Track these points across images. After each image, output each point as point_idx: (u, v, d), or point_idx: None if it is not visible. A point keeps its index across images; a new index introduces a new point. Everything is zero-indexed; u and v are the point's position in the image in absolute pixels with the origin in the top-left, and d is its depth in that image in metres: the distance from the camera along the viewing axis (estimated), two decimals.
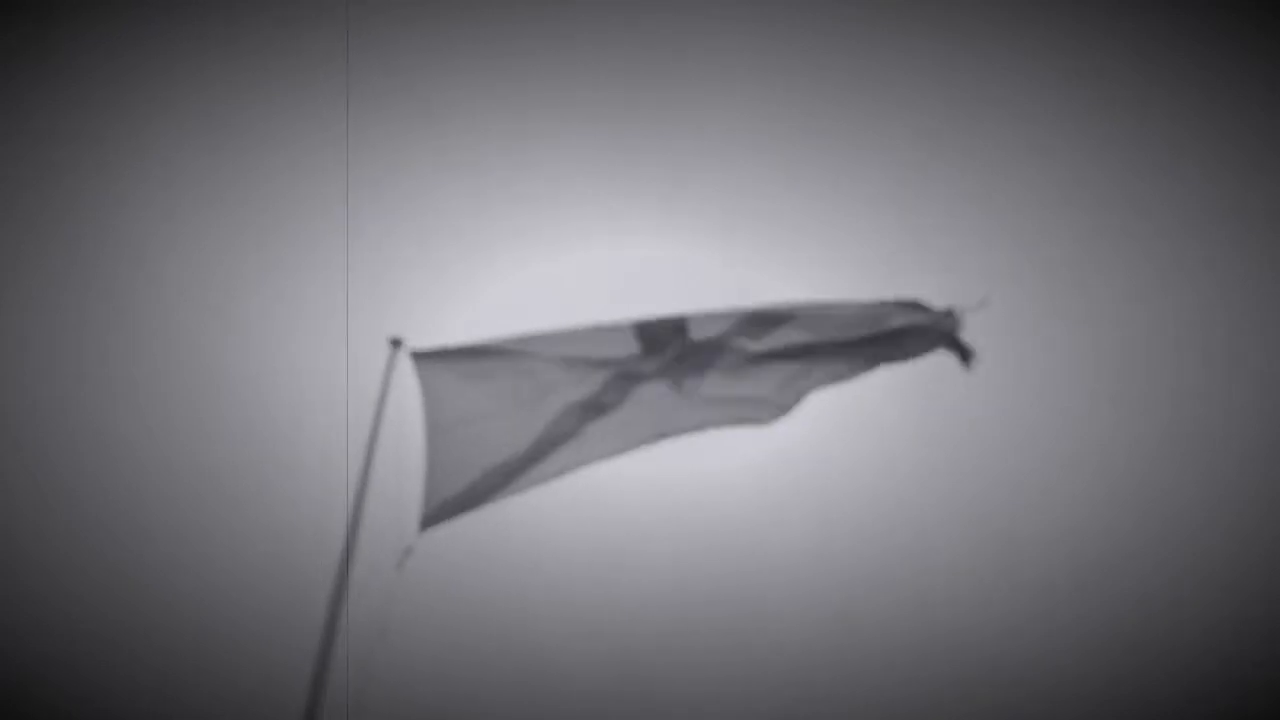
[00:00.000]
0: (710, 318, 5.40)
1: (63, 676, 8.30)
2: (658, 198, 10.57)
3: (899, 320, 5.23)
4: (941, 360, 5.17)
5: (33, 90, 9.26)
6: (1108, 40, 10.32)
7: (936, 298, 5.28)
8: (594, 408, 5.38)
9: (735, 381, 5.37)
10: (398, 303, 9.45)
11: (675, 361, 5.39)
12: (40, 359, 9.15)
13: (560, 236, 10.26)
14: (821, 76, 10.59)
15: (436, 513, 5.13)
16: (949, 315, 5.18)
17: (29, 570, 8.61)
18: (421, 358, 5.43)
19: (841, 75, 10.58)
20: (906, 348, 5.25)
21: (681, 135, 10.60)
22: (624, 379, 5.41)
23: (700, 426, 5.38)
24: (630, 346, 5.40)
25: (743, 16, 10.50)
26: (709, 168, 10.58)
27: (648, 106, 10.58)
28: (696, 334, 5.40)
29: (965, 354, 5.15)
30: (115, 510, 8.97)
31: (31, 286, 9.17)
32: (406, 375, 5.40)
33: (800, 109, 10.52)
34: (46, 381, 9.17)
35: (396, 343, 5.43)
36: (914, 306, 5.26)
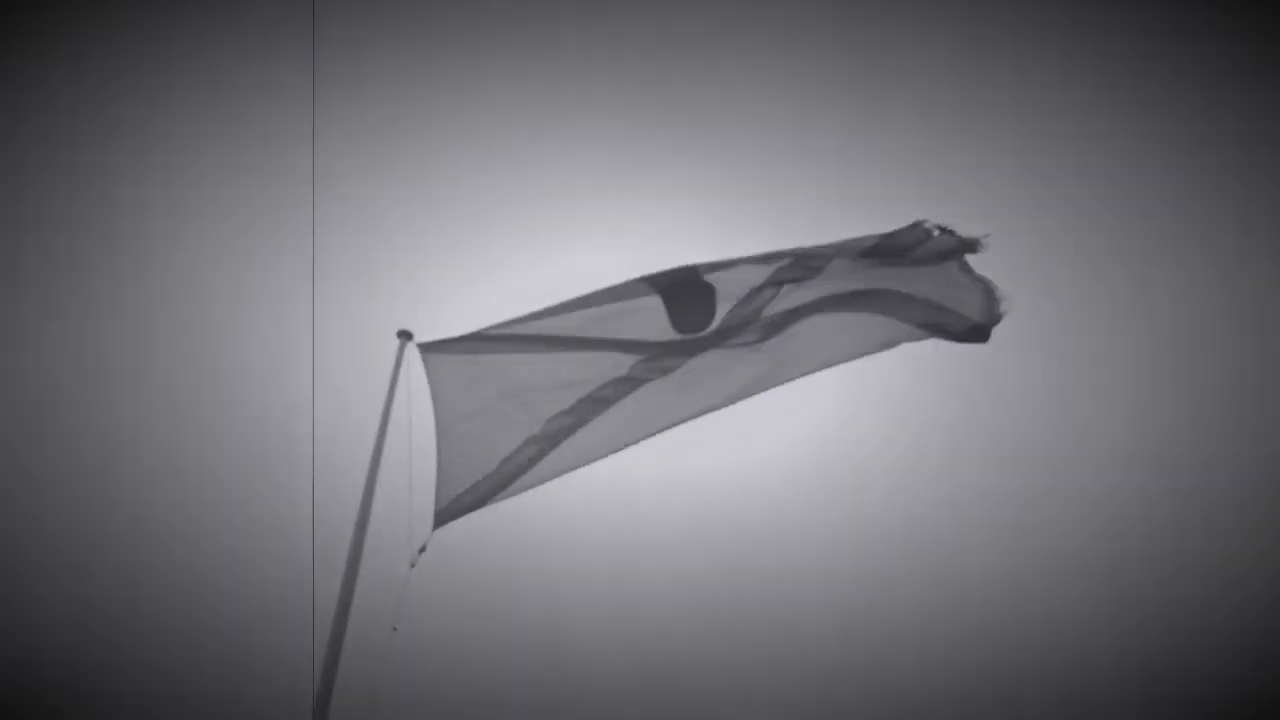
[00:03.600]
0: (728, 271, 5.25)
1: (65, 676, 8.27)
2: (671, 190, 10.48)
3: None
4: (968, 351, 5.03)
5: (32, 87, 9.21)
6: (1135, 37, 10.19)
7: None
8: (611, 390, 5.24)
9: (761, 349, 5.23)
10: (405, 295, 9.37)
11: (698, 337, 5.26)
12: (43, 356, 9.11)
13: (572, 227, 10.17)
14: (832, 61, 10.47)
15: (449, 510, 5.02)
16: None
17: (37, 568, 8.59)
18: (429, 350, 5.32)
19: (853, 62, 10.46)
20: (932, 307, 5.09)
21: (694, 128, 10.50)
22: (644, 357, 5.27)
23: (725, 402, 5.23)
24: (652, 318, 5.27)
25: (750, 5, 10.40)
26: (721, 161, 10.48)
27: (659, 96, 10.48)
28: (720, 299, 5.27)
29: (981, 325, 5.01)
30: (121, 509, 8.93)
31: (32, 286, 9.13)
32: (415, 369, 5.30)
33: (810, 97, 10.40)
34: (50, 378, 9.13)
35: (405, 335, 5.32)
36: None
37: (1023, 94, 10.30)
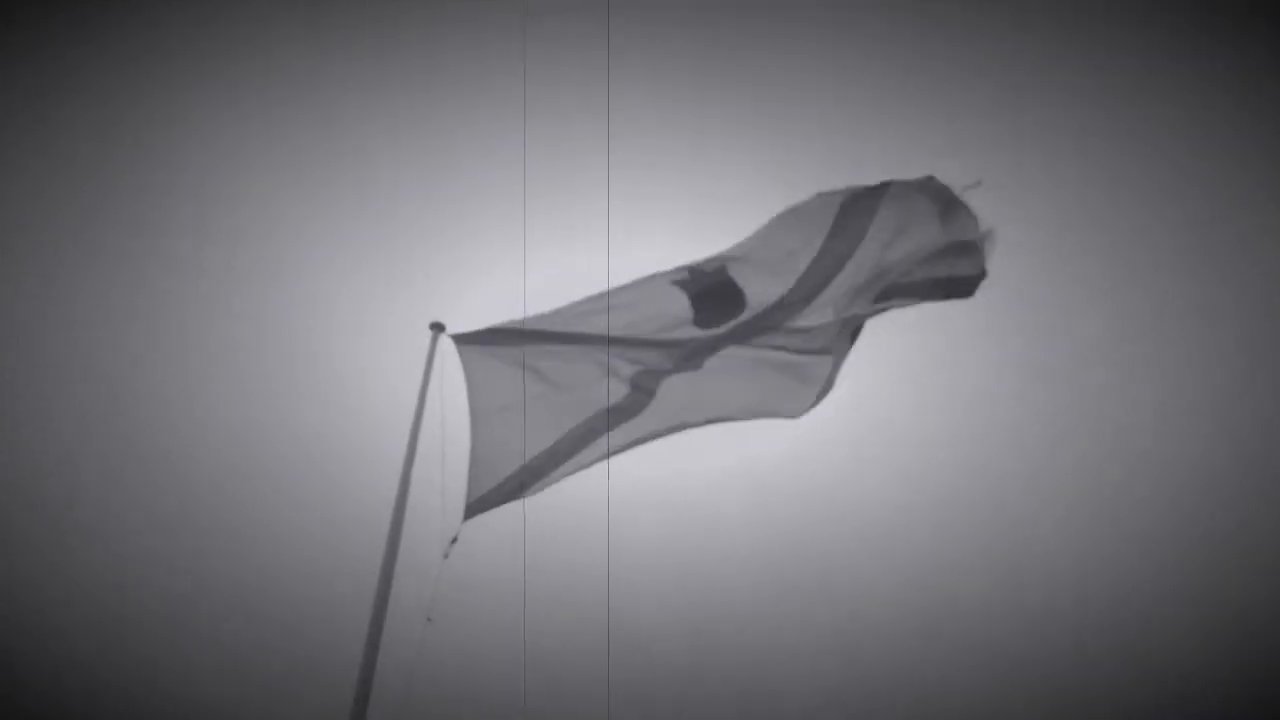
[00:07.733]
0: (753, 271, 5.25)
1: (109, 659, 8.40)
2: (701, 184, 10.45)
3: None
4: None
5: (89, 82, 9.33)
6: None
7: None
8: (645, 383, 5.22)
9: (790, 350, 5.20)
10: (438, 287, 9.41)
11: (729, 333, 5.24)
12: (76, 353, 9.24)
13: (603, 220, 10.13)
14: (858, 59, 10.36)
15: (481, 501, 5.02)
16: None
17: (79, 553, 8.72)
18: (463, 341, 5.31)
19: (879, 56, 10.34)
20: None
21: (732, 127, 10.44)
22: (677, 352, 5.25)
23: (756, 402, 5.21)
24: (680, 311, 5.26)
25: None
26: (757, 165, 10.41)
27: (692, 91, 10.43)
28: (751, 300, 5.26)
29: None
30: (161, 504, 9.04)
31: (49, 285, 9.25)
32: (447, 361, 5.30)
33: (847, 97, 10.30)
34: (97, 374, 9.27)
35: (438, 327, 5.31)
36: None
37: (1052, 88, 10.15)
